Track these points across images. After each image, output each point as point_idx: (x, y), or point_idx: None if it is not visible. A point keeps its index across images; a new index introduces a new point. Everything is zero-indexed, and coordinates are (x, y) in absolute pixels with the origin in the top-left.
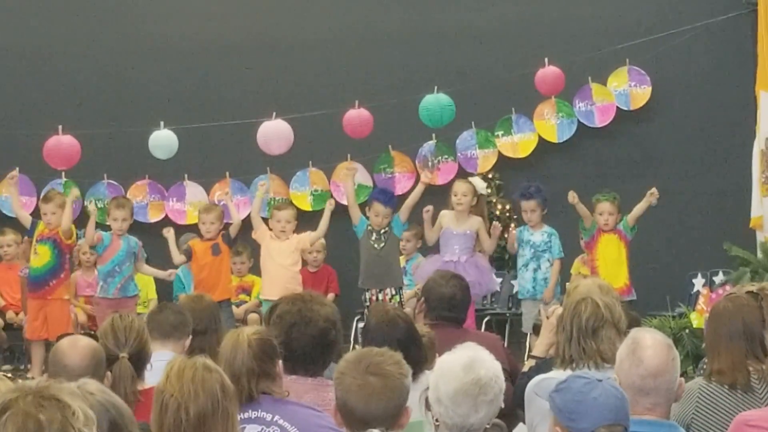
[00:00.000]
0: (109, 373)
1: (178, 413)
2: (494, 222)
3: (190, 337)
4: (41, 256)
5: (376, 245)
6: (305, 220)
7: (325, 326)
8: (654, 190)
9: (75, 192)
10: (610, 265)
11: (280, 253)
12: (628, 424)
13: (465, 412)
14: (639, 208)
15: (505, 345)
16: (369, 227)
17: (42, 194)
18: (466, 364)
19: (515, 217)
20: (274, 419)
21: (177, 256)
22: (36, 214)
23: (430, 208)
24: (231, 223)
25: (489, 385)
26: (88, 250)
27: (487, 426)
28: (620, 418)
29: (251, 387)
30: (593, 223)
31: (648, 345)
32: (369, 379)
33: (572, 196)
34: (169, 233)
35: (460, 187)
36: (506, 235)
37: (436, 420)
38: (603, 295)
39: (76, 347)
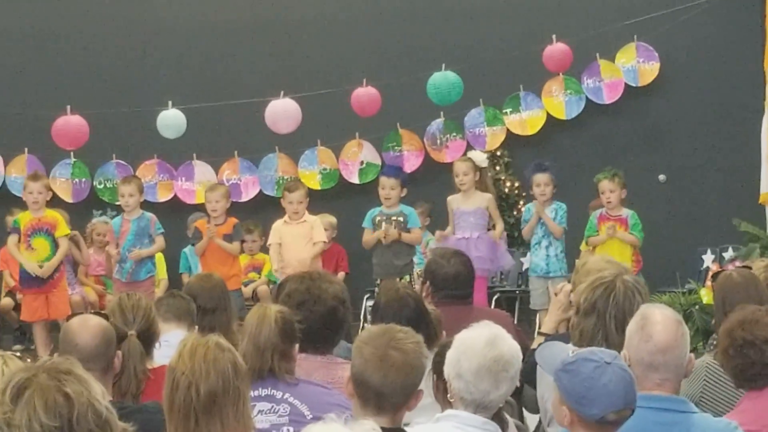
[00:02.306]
0: (119, 351)
1: (189, 391)
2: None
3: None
4: (39, 251)
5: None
6: (314, 200)
7: (333, 304)
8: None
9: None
10: (610, 251)
11: (294, 239)
12: (635, 404)
13: (486, 389)
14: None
15: (515, 322)
16: (377, 217)
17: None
18: (489, 340)
19: (524, 194)
20: (285, 397)
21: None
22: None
23: (440, 235)
24: (241, 203)
25: (510, 362)
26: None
27: (501, 404)
28: (629, 402)
29: (273, 362)
30: (591, 221)
31: (657, 321)
32: (390, 353)
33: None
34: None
35: (459, 167)
36: (515, 212)
37: (451, 396)
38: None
39: (87, 326)
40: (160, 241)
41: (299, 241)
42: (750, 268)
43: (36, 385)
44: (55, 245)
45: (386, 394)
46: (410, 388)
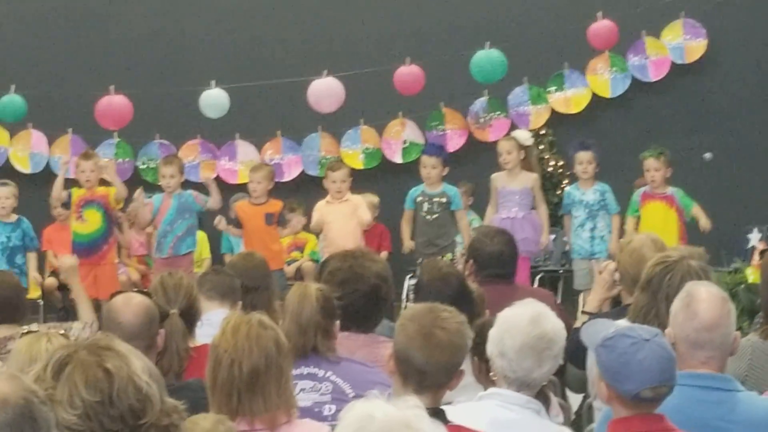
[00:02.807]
0: (162, 330)
1: (231, 369)
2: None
3: (240, 303)
4: (91, 222)
5: (428, 217)
6: (356, 179)
7: (376, 282)
8: (708, 222)
9: (109, 163)
10: (654, 228)
11: (337, 218)
12: (674, 382)
13: (529, 366)
14: (701, 217)
15: (558, 302)
16: (418, 198)
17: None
18: (533, 318)
19: (568, 173)
20: (327, 375)
21: (239, 233)
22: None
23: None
24: (283, 183)
25: (554, 340)
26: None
27: (544, 382)
28: (665, 379)
29: (316, 340)
30: (634, 199)
31: (703, 298)
32: (435, 331)
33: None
34: (221, 225)
35: (503, 145)
36: (559, 192)
37: (494, 374)
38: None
39: (130, 304)
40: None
41: (342, 220)
42: None
43: (76, 361)
44: (106, 216)
45: (429, 372)
46: (453, 368)
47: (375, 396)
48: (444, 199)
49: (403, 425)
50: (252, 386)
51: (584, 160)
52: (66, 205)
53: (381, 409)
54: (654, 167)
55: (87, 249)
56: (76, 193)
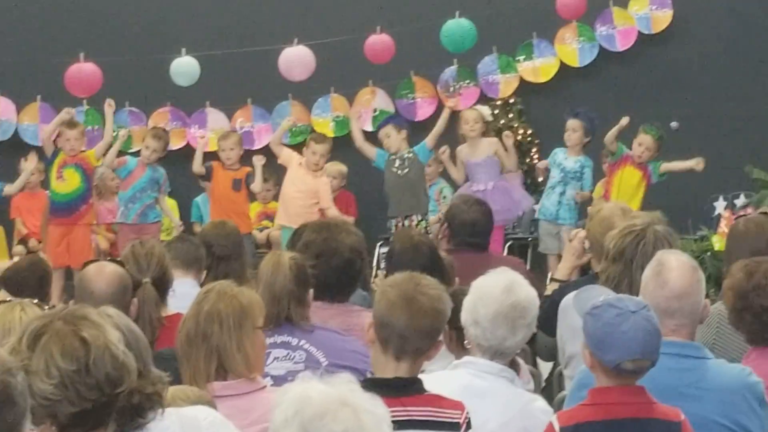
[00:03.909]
0: (134, 299)
1: (196, 338)
2: (504, 132)
3: (205, 272)
4: (69, 182)
5: (399, 171)
6: None
7: (351, 257)
8: (701, 160)
9: (111, 104)
10: (623, 196)
11: (304, 183)
12: (656, 357)
13: (503, 335)
14: (678, 166)
15: (528, 269)
16: (391, 157)
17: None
18: (506, 287)
19: (537, 141)
20: (300, 343)
21: (198, 166)
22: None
23: (445, 149)
24: (253, 152)
25: (527, 308)
26: (115, 177)
27: (517, 351)
28: (647, 353)
29: (290, 309)
30: (621, 148)
31: (673, 267)
32: (418, 296)
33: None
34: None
35: (470, 114)
36: (527, 161)
37: (468, 343)
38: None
39: (103, 273)
40: (167, 203)
41: (301, 195)
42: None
43: (52, 331)
44: (85, 177)
45: (410, 337)
46: (434, 334)
47: (308, 376)
48: (412, 155)
49: (340, 402)
50: (218, 354)
51: (569, 127)
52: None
53: (316, 388)
54: (647, 145)
55: (65, 208)
56: (60, 156)
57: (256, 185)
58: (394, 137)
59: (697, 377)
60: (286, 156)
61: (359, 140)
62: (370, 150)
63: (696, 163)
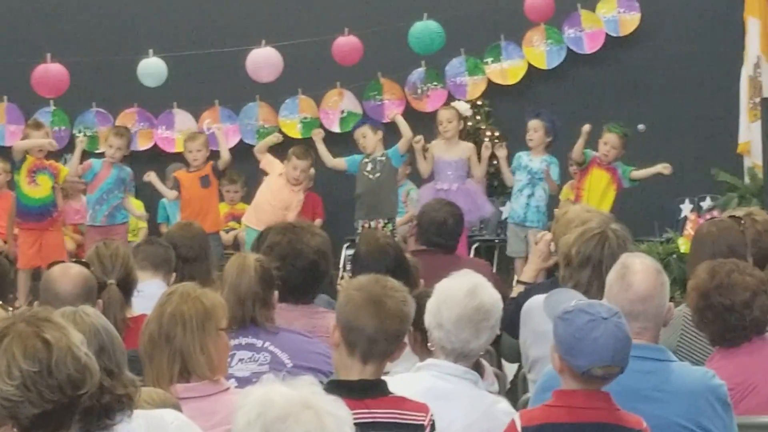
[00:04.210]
0: (99, 300)
1: (159, 339)
2: (485, 141)
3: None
4: (43, 187)
5: (371, 176)
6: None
7: (315, 258)
8: (668, 165)
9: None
10: (592, 200)
11: (279, 197)
12: (626, 364)
13: (466, 338)
14: (647, 173)
15: (494, 271)
16: (364, 160)
17: (27, 122)
18: (469, 290)
19: (505, 143)
20: (265, 345)
21: (169, 194)
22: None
23: (420, 138)
24: (219, 153)
25: (491, 311)
26: (79, 180)
27: (481, 353)
28: (618, 360)
29: (255, 311)
30: (587, 154)
31: (637, 270)
32: (385, 300)
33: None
34: (150, 177)
35: (444, 114)
36: (495, 162)
37: (432, 345)
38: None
39: (68, 274)
40: (131, 202)
41: (273, 207)
42: (738, 218)
43: (14, 332)
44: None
45: (378, 341)
46: (400, 336)
47: (270, 379)
48: (384, 158)
49: (302, 405)
50: (182, 356)
51: (531, 128)
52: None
53: (278, 391)
54: (612, 144)
55: (37, 213)
56: (29, 159)
57: (224, 157)
58: (370, 138)
59: (660, 380)
60: (268, 163)
61: (329, 161)
62: (340, 163)
63: (663, 168)
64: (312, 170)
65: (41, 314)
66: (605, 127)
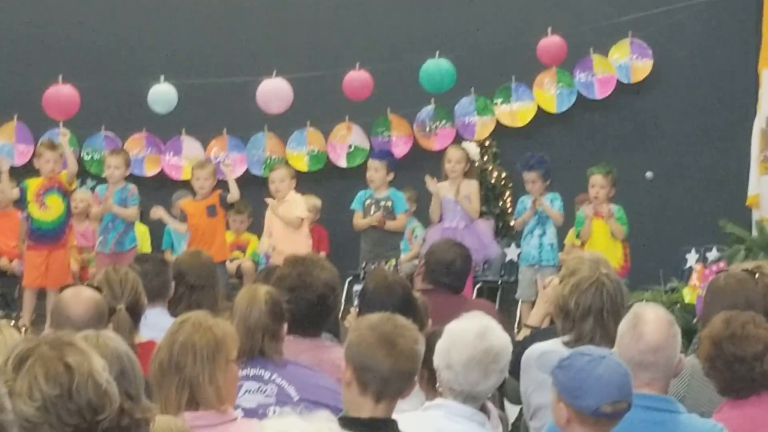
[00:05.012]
0: (109, 325)
1: (169, 367)
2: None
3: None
4: (54, 209)
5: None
6: (301, 181)
7: (324, 292)
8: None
9: (65, 134)
10: (599, 247)
11: (279, 225)
12: (632, 399)
13: (475, 380)
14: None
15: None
16: (367, 201)
17: (40, 142)
18: (479, 332)
19: (511, 185)
20: (272, 377)
21: (180, 228)
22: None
23: (434, 180)
24: (227, 182)
25: (501, 354)
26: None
27: (489, 395)
28: (624, 394)
29: (264, 343)
30: (579, 217)
31: (650, 320)
32: (398, 339)
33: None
34: (159, 213)
35: (453, 153)
36: (500, 203)
37: (440, 386)
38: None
39: (80, 298)
40: (132, 210)
41: (284, 227)
42: (752, 272)
43: (38, 355)
44: (66, 201)
45: (392, 380)
46: (413, 375)
47: (288, 412)
48: (389, 203)
49: None
50: (191, 385)
51: (529, 180)
52: (21, 200)
53: (295, 426)
54: (600, 184)
55: (50, 236)
56: (34, 183)
57: (233, 194)
58: (381, 175)
59: (668, 431)
60: (269, 218)
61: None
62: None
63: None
64: (318, 202)
65: (65, 338)
66: (587, 171)
